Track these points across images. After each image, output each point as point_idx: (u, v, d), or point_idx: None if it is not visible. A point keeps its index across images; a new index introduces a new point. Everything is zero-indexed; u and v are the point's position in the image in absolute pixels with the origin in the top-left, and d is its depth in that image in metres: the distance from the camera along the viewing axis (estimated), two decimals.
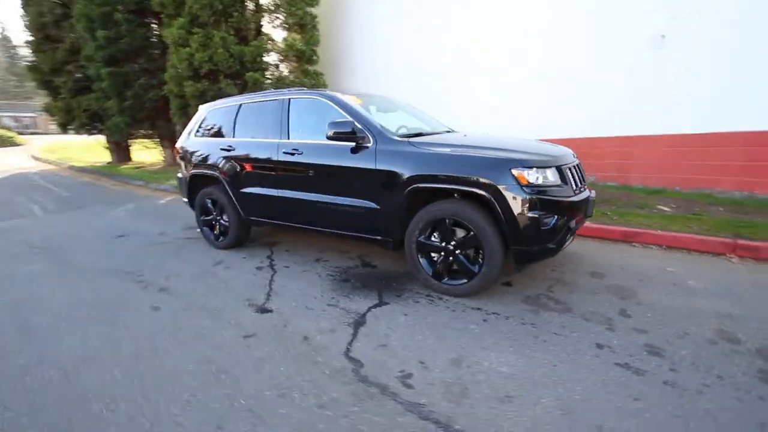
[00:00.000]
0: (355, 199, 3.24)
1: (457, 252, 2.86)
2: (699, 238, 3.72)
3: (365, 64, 10.34)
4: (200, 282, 3.46)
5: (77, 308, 2.98)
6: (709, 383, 1.89)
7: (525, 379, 1.96)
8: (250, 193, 3.94)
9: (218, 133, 4.31)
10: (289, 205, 3.68)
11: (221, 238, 4.38)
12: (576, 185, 2.93)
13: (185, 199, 4.73)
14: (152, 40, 12.05)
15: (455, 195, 2.91)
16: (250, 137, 3.98)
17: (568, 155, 3.04)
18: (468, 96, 7.88)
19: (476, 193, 2.69)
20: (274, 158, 3.67)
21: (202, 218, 4.51)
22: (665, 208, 5.13)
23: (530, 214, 2.60)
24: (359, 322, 2.62)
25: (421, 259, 3.04)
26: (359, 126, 3.16)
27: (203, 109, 4.57)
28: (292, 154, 3.55)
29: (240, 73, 9.41)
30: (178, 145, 4.71)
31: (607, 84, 6.06)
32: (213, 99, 9.33)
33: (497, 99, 7.40)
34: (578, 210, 2.85)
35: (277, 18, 9.58)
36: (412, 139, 3.08)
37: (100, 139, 14.41)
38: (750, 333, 2.32)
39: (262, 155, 3.77)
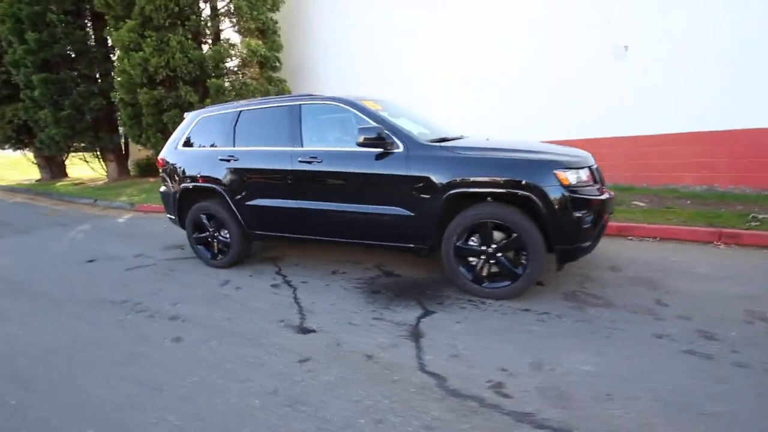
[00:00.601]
0: (386, 207, 3.13)
1: (498, 255, 2.87)
2: (689, 229, 4.08)
3: (330, 71, 10.19)
4: (215, 306, 3.14)
5: (83, 349, 2.55)
6: None
7: (613, 376, 1.98)
8: (258, 206, 3.66)
9: (213, 143, 3.97)
10: (305, 216, 3.47)
11: (219, 256, 4.03)
12: (600, 185, 3.07)
13: (172, 216, 4.30)
14: (91, 43, 10.97)
15: (488, 198, 2.92)
16: (255, 146, 3.71)
17: (591, 157, 3.18)
18: (435, 100, 8.05)
19: (520, 194, 2.72)
20: (288, 167, 3.44)
21: (195, 236, 4.12)
22: (640, 204, 5.58)
23: (575, 214, 2.68)
24: (416, 334, 2.51)
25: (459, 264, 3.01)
26: (387, 131, 3.07)
27: (192, 117, 4.19)
28: (310, 163, 3.36)
29: (200, 80, 8.86)
30: (161, 157, 4.28)
31: (579, 91, 6.51)
32: (171, 108, 8.71)
33: (463, 105, 7.64)
34: (607, 208, 2.99)
35: (237, 23, 9.13)
36: (443, 144, 3.05)
37: (28, 154, 12.77)
38: None
39: (273, 165, 3.53)
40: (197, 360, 2.36)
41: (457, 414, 1.78)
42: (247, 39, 9.03)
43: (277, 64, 9.88)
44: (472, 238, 2.95)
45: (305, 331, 2.65)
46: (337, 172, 3.28)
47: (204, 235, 4.08)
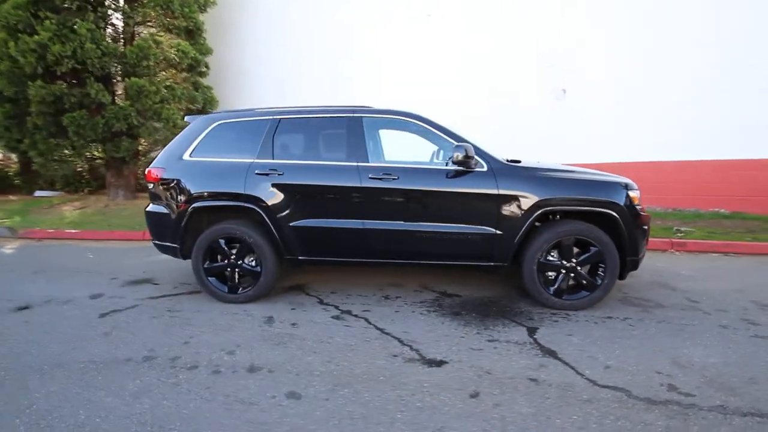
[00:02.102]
0: (470, 226, 3.08)
1: (578, 268, 3.09)
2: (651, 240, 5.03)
3: (265, 76, 9.54)
4: (289, 348, 2.60)
5: None
6: None
7: (735, 363, 2.33)
8: (308, 227, 3.20)
9: (240, 154, 3.34)
10: (370, 237, 3.17)
11: (241, 289, 3.35)
12: None
13: (169, 243, 3.42)
14: None
15: (552, 216, 3.15)
16: (302, 159, 3.26)
17: None
18: None
19: (602, 212, 3.01)
20: (355, 184, 3.11)
21: (206, 266, 3.34)
22: None
23: (642, 227, 3.09)
24: (549, 351, 2.51)
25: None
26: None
27: (204, 122, 3.45)
28: (382, 179, 3.10)
29: (111, 78, 7.34)
30: (155, 168, 3.39)
31: (522, 126, 7.45)
32: (74, 108, 6.92)
33: None
34: None
35: (163, 20, 7.88)
36: (522, 165, 3.19)
37: None
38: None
39: (335, 181, 3.15)
40: (348, 416, 1.93)
41: (686, 421, 1.86)
42: (177, 39, 7.85)
43: (205, 69, 8.83)
44: (552, 253, 3.13)
45: (435, 363, 2.41)
46: (416, 190, 3.11)
47: (219, 264, 3.35)
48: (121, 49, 7.32)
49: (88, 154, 8.16)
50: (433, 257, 3.21)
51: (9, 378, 2.30)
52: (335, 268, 4.17)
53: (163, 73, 7.85)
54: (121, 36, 7.89)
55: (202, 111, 9.03)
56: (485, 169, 3.08)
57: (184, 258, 3.50)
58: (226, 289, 3.37)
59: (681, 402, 2.00)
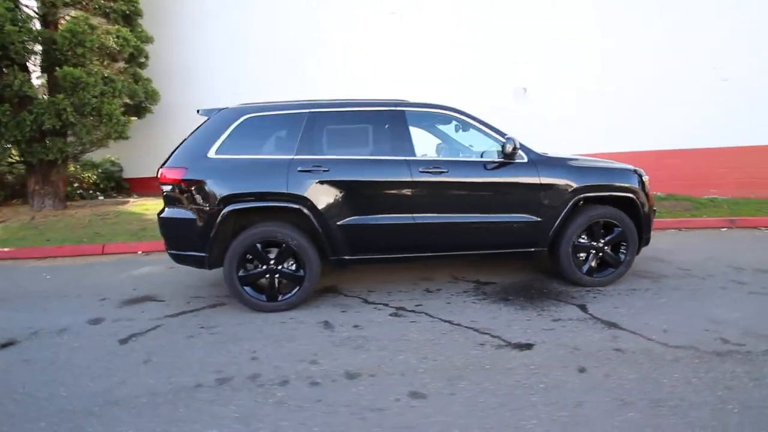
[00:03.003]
0: (515, 215, 3.23)
1: (605, 248, 3.41)
2: None
3: (216, 73, 8.83)
4: (371, 351, 2.49)
5: None
6: None
7: (759, 316, 2.79)
8: (358, 225, 3.07)
9: (275, 150, 3.08)
10: (421, 231, 3.15)
11: (281, 296, 3.10)
12: None
13: (194, 252, 3.02)
14: None
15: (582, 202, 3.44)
16: (345, 154, 3.11)
17: None
18: None
19: (625, 196, 3.36)
20: (406, 179, 3.06)
21: (241, 274, 3.03)
22: None
23: (652, 208, 3.51)
24: (611, 324, 2.74)
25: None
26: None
27: (230, 116, 3.09)
28: (432, 173, 3.10)
29: (44, 65, 6.22)
30: (173, 167, 2.97)
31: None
32: None
33: None
34: None
35: (98, 2, 6.84)
36: (555, 155, 3.41)
37: None
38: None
39: (387, 176, 3.07)
40: (487, 407, 1.92)
41: (747, 365, 2.18)
42: (115, 26, 6.87)
43: (144, 59, 7.88)
44: (582, 236, 3.41)
45: (524, 347, 2.49)
46: (466, 182, 3.16)
47: (257, 271, 3.06)
48: (54, 34, 6.19)
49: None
50: (481, 247, 3.30)
51: (59, 428, 1.88)
52: (358, 266, 4.05)
53: (97, 62, 6.81)
54: (40, 18, 6.67)
55: (139, 107, 8.06)
56: (526, 160, 3.25)
57: (210, 268, 3.14)
58: (264, 298, 3.09)
59: (739, 351, 2.35)
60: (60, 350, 2.63)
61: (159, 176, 3.06)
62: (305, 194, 2.98)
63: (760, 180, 7.10)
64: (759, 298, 3.15)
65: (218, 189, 2.94)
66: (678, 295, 3.23)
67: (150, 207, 7.22)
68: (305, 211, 2.98)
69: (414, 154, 3.15)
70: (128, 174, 9.82)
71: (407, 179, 3.08)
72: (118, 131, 6.61)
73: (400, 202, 3.12)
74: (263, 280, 3.09)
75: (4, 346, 2.72)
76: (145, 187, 9.60)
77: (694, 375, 2.13)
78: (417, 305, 3.20)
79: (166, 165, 3.03)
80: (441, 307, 3.15)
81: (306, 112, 3.12)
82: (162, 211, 3.11)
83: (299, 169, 2.99)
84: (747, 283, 3.45)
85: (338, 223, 3.05)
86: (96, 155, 8.92)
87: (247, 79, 8.73)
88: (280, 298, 3.11)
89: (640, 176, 3.45)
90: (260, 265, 3.06)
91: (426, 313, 3.04)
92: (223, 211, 2.92)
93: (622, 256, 3.44)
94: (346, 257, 3.15)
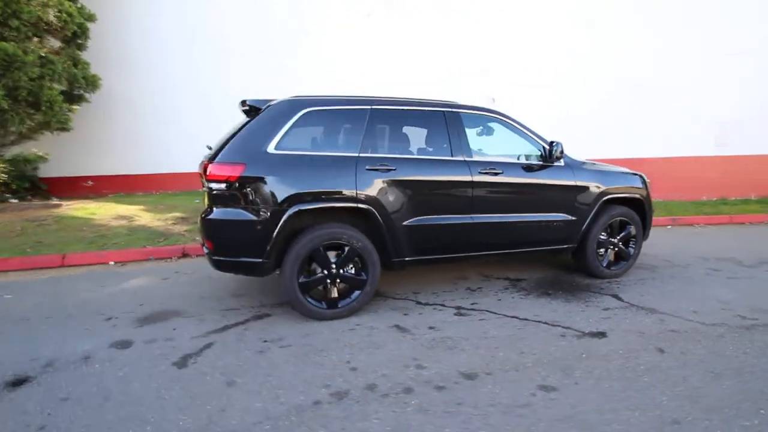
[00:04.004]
0: (555, 214, 3.47)
1: (620, 244, 3.83)
2: None
3: (166, 59, 7.94)
4: (466, 350, 2.50)
5: None
6: None
7: (757, 296, 3.36)
8: (422, 225, 3.03)
9: (338, 147, 2.90)
10: (479, 231, 3.23)
11: (343, 301, 2.92)
12: None
13: (249, 258, 2.70)
14: None
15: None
16: (407, 153, 3.05)
17: None
18: None
19: (637, 197, 3.81)
20: (467, 179, 3.11)
21: (302, 280, 2.79)
22: None
23: (652, 208, 4.02)
24: (651, 309, 3.10)
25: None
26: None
27: (288, 108, 2.81)
28: (490, 174, 3.19)
29: None
30: (232, 162, 2.62)
31: None
32: None
33: None
34: None
35: None
36: (581, 159, 3.73)
37: None
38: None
39: (450, 176, 3.07)
40: (621, 390, 2.06)
41: None
42: None
43: (84, 40, 6.78)
44: (602, 233, 3.78)
45: (600, 335, 2.70)
46: (518, 183, 3.31)
47: (318, 277, 2.84)
48: None
49: None
50: (526, 245, 3.48)
51: None
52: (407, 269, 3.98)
53: (36, 41, 5.67)
54: None
55: (73, 94, 6.90)
56: (562, 163, 3.52)
57: (263, 275, 2.84)
58: (324, 305, 2.89)
59: (757, 324, 2.83)
60: (103, 382, 2.16)
61: (206, 173, 2.68)
62: (374, 194, 2.86)
63: (684, 185, 8.38)
64: (738, 281, 3.80)
65: (282, 187, 2.68)
66: (679, 282, 3.77)
67: (97, 212, 6.21)
68: (372, 210, 2.86)
69: (471, 155, 3.22)
70: (47, 173, 8.30)
71: (468, 179, 3.14)
72: (60, 121, 5.58)
73: (461, 202, 3.16)
74: (327, 286, 2.89)
75: (17, 384, 2.15)
76: (68, 188, 8.24)
77: (745, 346, 2.53)
78: (472, 304, 3.26)
79: (217, 160, 2.66)
80: (495, 304, 3.25)
81: (368, 108, 3.00)
82: (208, 211, 2.73)
83: (367, 167, 2.86)
84: (720, 270, 4.14)
85: (404, 223, 2.99)
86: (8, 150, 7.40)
87: (207, 70, 8.02)
88: (340, 304, 2.93)
89: (644, 179, 3.96)
90: (321, 270, 2.85)
91: (487, 311, 3.12)
92: (289, 212, 2.67)
93: (632, 250, 3.90)
94: (408, 259, 3.09)
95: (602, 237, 3.77)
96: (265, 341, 2.62)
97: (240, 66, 8.07)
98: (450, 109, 3.25)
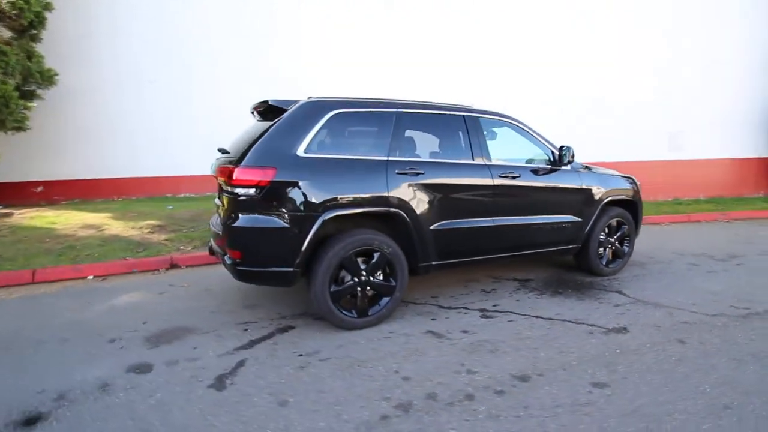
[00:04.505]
0: (565, 216, 3.61)
1: (616, 243, 4.06)
2: None
3: (119, 53, 7.38)
4: (509, 353, 2.52)
5: None
6: None
7: (738, 287, 3.69)
8: (447, 229, 3.03)
9: (365, 150, 2.81)
10: (500, 233, 3.29)
11: (372, 309, 2.84)
12: None
13: (279, 268, 2.54)
14: None
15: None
16: (431, 157, 3.04)
17: None
18: None
19: (631, 199, 4.05)
20: (488, 182, 3.15)
21: (333, 289, 2.67)
22: None
23: (641, 209, 4.31)
24: (655, 303, 3.30)
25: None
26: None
27: (317, 110, 2.69)
28: (508, 177, 3.25)
29: None
30: (262, 167, 2.45)
31: None
32: None
33: None
34: None
35: None
36: (581, 164, 3.91)
37: None
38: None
39: (472, 180, 3.10)
40: (665, 382, 2.16)
41: (764, 320, 2.93)
42: None
43: (37, 31, 6.12)
44: (602, 233, 3.99)
45: (622, 330, 2.83)
46: (533, 186, 3.40)
47: (348, 285, 2.73)
48: None
49: None
50: (540, 247, 3.59)
51: None
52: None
53: None
54: None
55: (26, 90, 6.20)
56: (569, 168, 3.67)
57: (292, 285, 2.69)
58: (355, 314, 2.79)
59: (750, 313, 3.11)
60: (136, 412, 1.93)
61: (231, 178, 2.49)
62: (405, 198, 2.82)
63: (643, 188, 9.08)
64: (717, 274, 4.16)
65: (316, 192, 2.56)
66: (669, 277, 4.06)
67: (57, 220, 5.60)
68: (403, 215, 2.82)
69: (491, 159, 3.27)
70: None
71: (489, 183, 3.19)
72: (17, 120, 4.97)
73: (484, 206, 3.20)
74: (357, 294, 2.79)
75: (30, 422, 1.86)
76: (14, 195, 7.39)
77: (749, 333, 2.77)
78: (494, 306, 3.30)
79: (245, 164, 2.48)
80: (515, 305, 3.32)
81: (393, 111, 2.95)
82: (232, 218, 2.54)
83: (397, 171, 2.81)
84: (698, 264, 4.52)
85: (432, 227, 2.97)
86: None
87: (186, 69, 7.55)
88: (370, 312, 2.85)
89: (635, 182, 4.24)
90: (351, 278, 2.76)
91: (511, 312, 3.17)
92: (324, 218, 2.55)
93: (626, 249, 4.15)
94: (434, 263, 3.07)
95: (602, 237, 3.98)
96: (301, 355, 2.48)
97: (226, 65, 7.67)
98: (469, 114, 3.29)
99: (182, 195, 8.39)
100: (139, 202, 7.48)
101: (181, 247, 4.98)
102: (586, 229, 3.80)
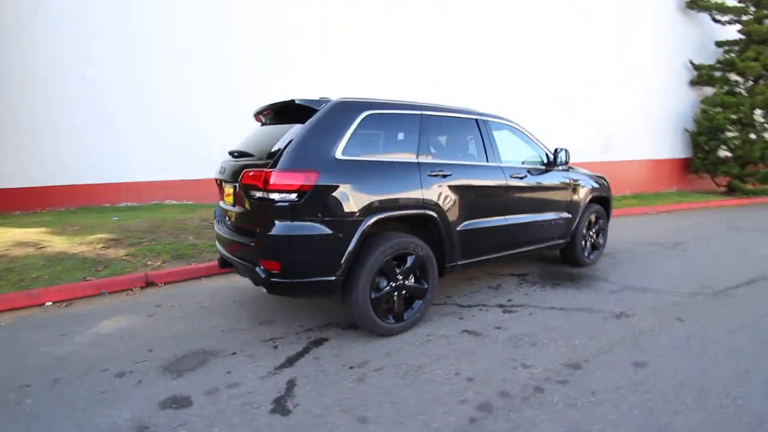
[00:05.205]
0: (560, 213, 3.90)
1: (595, 236, 4.46)
2: None
3: (57, 42, 6.44)
4: (548, 345, 2.65)
5: None
6: None
7: (698, 272, 4.27)
8: (471, 229, 3.10)
9: (395, 152, 2.75)
10: (511, 231, 3.43)
11: (406, 314, 2.79)
12: None
13: (324, 278, 2.38)
14: None
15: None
16: (452, 159, 3.07)
17: None
18: None
19: (605, 196, 4.48)
20: (503, 183, 3.27)
21: (374, 295, 2.58)
22: None
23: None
24: (642, 288, 3.69)
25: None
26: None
27: (351, 111, 2.56)
28: (516, 178, 3.41)
29: None
30: (302, 170, 2.28)
31: None
32: None
33: None
34: None
35: None
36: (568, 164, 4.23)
37: None
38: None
39: (491, 180, 3.19)
40: (699, 359, 2.42)
41: (734, 298, 3.43)
42: None
43: None
44: (583, 228, 4.35)
45: (628, 314, 3.11)
46: (537, 186, 3.60)
47: (386, 290, 2.65)
48: None
49: None
50: (540, 242, 3.81)
51: None
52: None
53: None
54: None
55: None
56: (561, 168, 3.96)
57: (331, 295, 2.53)
58: (392, 320, 2.72)
59: (715, 291, 3.60)
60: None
61: (268, 183, 2.27)
62: (437, 200, 2.82)
63: None
64: (673, 260, 4.75)
65: (357, 196, 2.45)
66: (638, 264, 4.56)
67: None
68: (435, 216, 2.82)
69: (501, 161, 3.40)
70: None
71: (504, 183, 3.32)
72: None
73: (499, 205, 3.33)
74: (394, 299, 2.72)
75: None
76: None
77: (726, 308, 3.22)
78: (508, 300, 3.44)
79: (282, 167, 2.28)
80: (526, 298, 3.48)
81: (418, 114, 2.93)
82: (269, 225, 2.32)
83: (428, 173, 2.80)
84: (654, 252, 5.15)
85: (458, 228, 3.01)
86: None
87: (137, 67, 6.75)
88: (405, 316, 2.79)
89: (606, 180, 4.70)
90: (388, 283, 2.68)
91: (527, 305, 3.33)
92: (367, 222, 2.45)
93: (601, 241, 4.59)
94: (459, 263, 3.11)
95: (584, 231, 4.36)
96: (352, 367, 2.36)
97: (170, 63, 6.99)
98: (481, 117, 3.40)
99: (123, 204, 7.49)
100: (75, 214, 6.50)
101: (149, 263, 4.43)
102: (574, 225, 4.13)
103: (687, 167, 10.50)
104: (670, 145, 10.42)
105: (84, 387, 2.19)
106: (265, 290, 2.49)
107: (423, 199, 2.75)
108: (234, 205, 2.74)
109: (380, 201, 2.55)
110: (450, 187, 2.94)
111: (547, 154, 3.86)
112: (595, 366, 2.36)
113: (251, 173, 2.43)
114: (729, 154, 9.62)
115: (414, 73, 8.37)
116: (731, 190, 9.69)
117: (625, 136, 9.70)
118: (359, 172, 2.52)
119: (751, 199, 9.28)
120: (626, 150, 9.73)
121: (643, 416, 1.90)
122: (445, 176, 2.92)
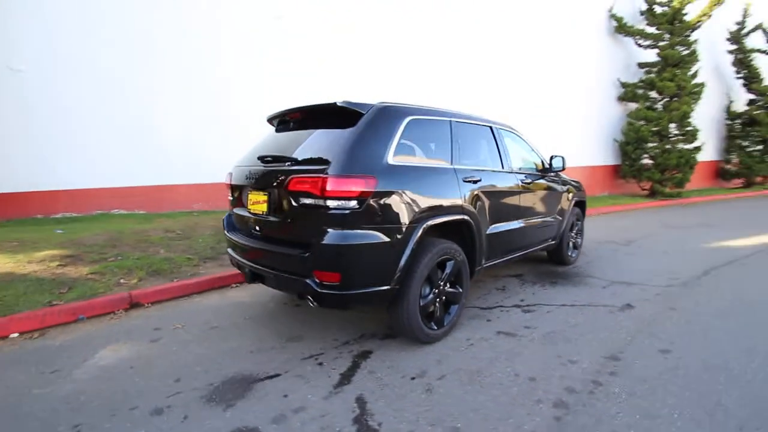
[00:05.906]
0: (555, 216, 4.17)
1: (574, 236, 4.83)
2: None
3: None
4: (579, 339, 2.83)
5: None
6: None
7: (668, 266, 4.81)
8: (496, 233, 3.23)
9: (433, 157, 2.75)
10: (522, 234, 3.61)
11: (445, 320, 2.80)
12: None
13: (381, 287, 2.29)
14: None
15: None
16: (476, 164, 3.14)
17: None
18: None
19: (582, 200, 4.89)
20: (518, 188, 3.44)
21: (423, 302, 2.54)
22: None
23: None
24: (628, 282, 4.08)
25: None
26: None
27: (397, 116, 2.52)
28: (525, 183, 3.59)
29: None
30: (359, 176, 2.17)
31: None
32: None
33: None
34: None
35: None
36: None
37: None
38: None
39: (509, 185, 3.33)
40: (711, 341, 2.72)
41: (702, 287, 3.94)
42: None
43: None
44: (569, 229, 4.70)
45: (631, 306, 3.42)
46: (539, 191, 3.81)
47: (430, 297, 2.63)
48: None
49: None
50: (539, 244, 4.04)
51: None
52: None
53: None
54: None
55: None
56: (553, 174, 4.24)
57: (385, 305, 2.44)
58: (435, 326, 2.70)
59: (686, 282, 4.11)
60: None
61: (325, 189, 2.13)
62: (471, 205, 2.87)
63: None
64: (634, 256, 5.31)
65: (411, 201, 2.40)
66: (609, 261, 5.03)
67: None
68: (470, 221, 2.86)
69: (512, 167, 3.56)
70: None
71: (519, 188, 3.48)
72: None
73: (515, 209, 3.48)
74: (436, 305, 2.70)
75: None
76: None
77: (702, 295, 3.69)
78: (521, 300, 3.60)
79: (341, 173, 2.15)
80: (535, 297, 3.67)
81: (448, 120, 2.97)
82: (325, 234, 2.17)
83: (463, 178, 2.84)
84: (616, 249, 5.71)
85: (487, 232, 3.09)
86: None
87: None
88: (445, 322, 2.79)
89: (581, 185, 5.13)
90: (431, 289, 2.66)
91: (540, 304, 3.50)
92: (422, 228, 2.42)
93: (580, 241, 5.00)
94: (484, 266, 3.18)
95: (568, 232, 4.72)
96: (413, 378, 2.30)
97: (114, 55, 6.24)
98: (493, 124, 3.53)
99: (60, 215, 6.50)
100: (4, 227, 5.49)
101: (122, 281, 3.90)
102: (563, 226, 4.45)
103: (617, 173, 11.86)
104: (603, 153, 11.70)
105: (119, 431, 1.86)
106: (312, 303, 2.34)
107: (462, 205, 2.79)
108: (268, 214, 2.53)
109: (430, 207, 2.54)
110: (481, 192, 3.02)
111: (542, 161, 4.12)
112: (631, 356, 2.57)
113: (300, 179, 2.27)
114: (651, 161, 11.05)
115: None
116: (653, 193, 11.13)
117: (575, 145, 10.68)
118: (409, 177, 2.48)
119: (669, 201, 10.76)
120: (574, 158, 10.72)
121: (696, 398, 2.11)
122: (476, 182, 2.99)
